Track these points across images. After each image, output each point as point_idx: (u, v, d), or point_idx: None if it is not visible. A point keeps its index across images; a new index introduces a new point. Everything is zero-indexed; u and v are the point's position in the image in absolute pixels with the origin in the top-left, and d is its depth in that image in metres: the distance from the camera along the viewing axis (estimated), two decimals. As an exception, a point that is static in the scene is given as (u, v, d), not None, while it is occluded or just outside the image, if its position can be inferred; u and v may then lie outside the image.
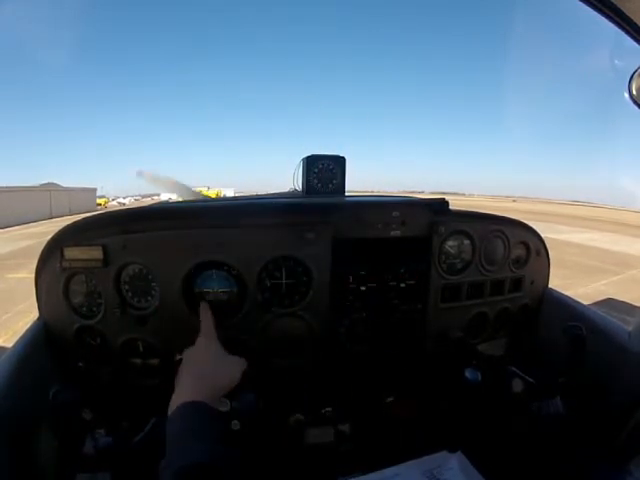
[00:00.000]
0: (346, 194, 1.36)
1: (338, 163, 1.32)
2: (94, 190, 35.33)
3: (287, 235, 0.97)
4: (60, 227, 0.96)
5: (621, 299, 5.24)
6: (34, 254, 0.99)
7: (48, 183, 30.41)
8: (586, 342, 0.94)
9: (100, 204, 32.50)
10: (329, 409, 1.10)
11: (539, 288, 1.29)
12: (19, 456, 0.77)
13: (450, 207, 1.12)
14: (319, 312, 1.02)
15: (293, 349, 1.05)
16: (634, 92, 0.71)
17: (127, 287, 0.95)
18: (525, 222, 1.26)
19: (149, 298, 0.96)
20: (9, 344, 0.95)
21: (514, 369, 1.00)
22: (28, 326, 0.97)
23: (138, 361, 1.00)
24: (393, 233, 1.05)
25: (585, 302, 1.24)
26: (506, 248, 1.19)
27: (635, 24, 0.63)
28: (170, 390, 0.68)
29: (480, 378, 1.00)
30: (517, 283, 1.24)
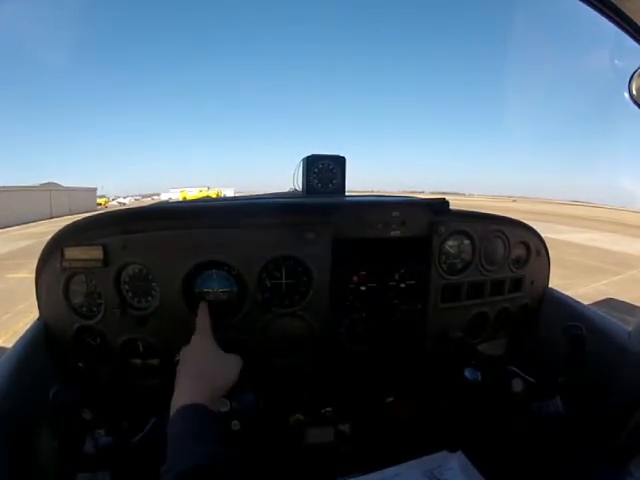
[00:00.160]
0: (346, 194, 1.36)
1: (338, 163, 1.32)
2: (94, 190, 35.39)
3: (287, 235, 0.97)
4: (60, 227, 0.96)
5: (621, 299, 5.24)
6: (34, 254, 1.00)
7: (48, 183, 30.43)
8: (586, 342, 0.94)
9: (100, 204, 32.54)
10: (329, 409, 1.10)
11: (539, 288, 1.29)
12: (19, 456, 0.77)
13: (450, 207, 1.12)
14: (319, 312, 1.02)
15: (293, 349, 1.05)
16: (634, 92, 0.71)
17: (127, 287, 0.95)
18: (525, 222, 1.27)
19: (149, 298, 0.96)
20: (9, 344, 0.95)
21: (514, 369, 1.00)
22: (28, 326, 0.97)
23: (138, 361, 1.00)
24: (393, 233, 1.05)
25: (585, 302, 1.24)
26: (506, 248, 1.19)
27: (635, 24, 0.63)
28: (170, 390, 0.68)
29: (480, 378, 1.00)
30: (517, 283, 1.24)
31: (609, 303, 5.09)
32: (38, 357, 0.92)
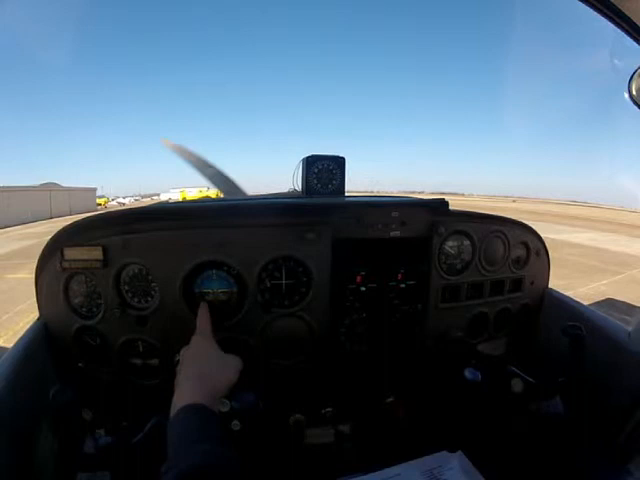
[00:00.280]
0: (346, 194, 1.36)
1: (338, 163, 1.32)
2: (94, 190, 35.40)
3: (287, 235, 0.97)
4: (60, 227, 0.96)
5: (621, 299, 5.24)
6: (34, 254, 1.00)
7: (48, 183, 30.43)
8: (586, 342, 0.94)
9: (100, 204, 32.53)
10: (329, 409, 1.10)
11: (539, 288, 1.29)
12: (19, 456, 0.77)
13: (450, 207, 1.12)
14: (319, 312, 1.02)
15: (293, 349, 1.05)
16: (634, 92, 0.71)
17: (127, 287, 0.95)
18: (525, 222, 1.27)
19: (149, 298, 0.96)
20: (9, 344, 0.95)
21: (514, 369, 1.00)
22: (28, 326, 0.97)
23: (138, 361, 1.00)
24: (393, 233, 1.05)
25: (585, 302, 1.24)
26: (506, 248, 1.19)
27: (635, 24, 0.63)
28: (170, 390, 0.68)
29: (480, 378, 1.00)
30: (517, 283, 1.24)
31: (609, 303, 5.10)
32: (38, 357, 0.92)
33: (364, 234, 1.03)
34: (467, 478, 0.82)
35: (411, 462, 0.86)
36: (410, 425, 1.13)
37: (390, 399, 1.15)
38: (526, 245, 1.24)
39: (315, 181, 1.30)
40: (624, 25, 0.64)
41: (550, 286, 1.32)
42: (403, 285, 1.08)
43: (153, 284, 0.95)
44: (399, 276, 1.07)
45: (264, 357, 1.03)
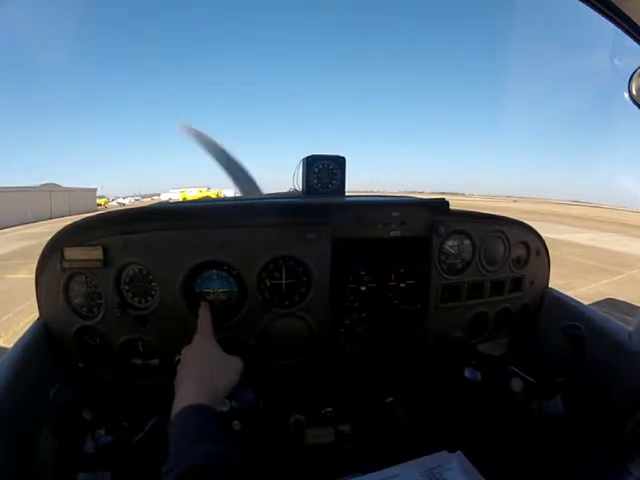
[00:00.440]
0: (346, 194, 1.36)
1: (338, 163, 1.32)
2: (94, 190, 35.42)
3: (287, 235, 0.97)
4: (60, 227, 0.96)
5: (621, 299, 5.24)
6: (34, 254, 1.00)
7: (48, 183, 30.45)
8: (586, 342, 0.94)
9: (100, 204, 32.56)
10: (329, 409, 1.10)
11: (539, 288, 1.29)
12: (19, 456, 0.77)
13: (450, 207, 1.12)
14: (319, 312, 1.02)
15: (293, 349, 1.05)
16: (634, 92, 0.71)
17: (127, 287, 0.95)
18: (525, 222, 1.27)
19: (149, 298, 0.96)
20: (9, 344, 0.95)
21: (514, 369, 0.99)
22: (28, 326, 0.97)
23: (138, 361, 1.01)
24: (393, 233, 1.05)
25: (585, 302, 1.24)
26: (506, 248, 1.19)
27: (635, 24, 0.63)
28: (170, 390, 0.68)
29: (480, 378, 1.00)
30: (517, 283, 1.24)
31: (609, 303, 5.09)
32: (38, 357, 0.92)
33: (364, 234, 1.03)
34: (467, 478, 0.81)
35: (411, 462, 0.85)
36: (410, 425, 1.13)
37: (390, 399, 1.15)
38: (526, 245, 1.24)
39: (315, 181, 1.30)
40: (624, 25, 0.64)
41: (550, 286, 1.32)
42: (403, 285, 1.08)
43: (153, 284, 0.95)
44: (399, 276, 1.07)
45: (264, 357, 1.03)
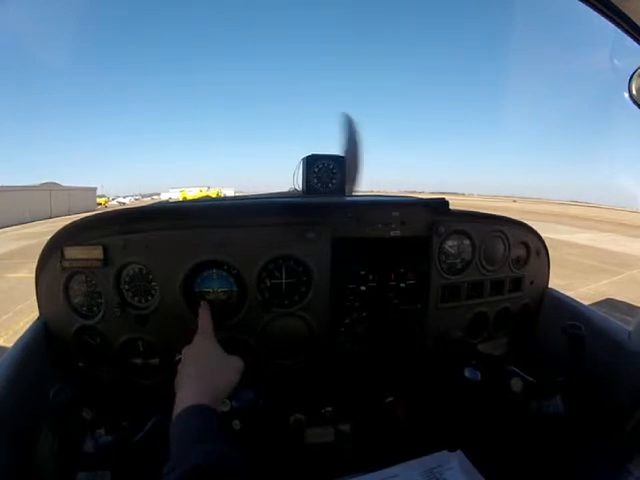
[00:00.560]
0: (346, 194, 1.36)
1: (338, 163, 1.32)
2: (94, 189, 35.40)
3: (287, 235, 0.97)
4: (60, 227, 0.96)
5: (621, 299, 5.24)
6: (34, 254, 1.00)
7: (48, 182, 30.44)
8: (586, 342, 0.94)
9: (100, 203, 32.55)
10: (329, 409, 1.10)
11: (539, 288, 1.29)
12: (19, 456, 0.77)
13: (450, 207, 1.12)
14: (319, 312, 1.02)
15: (293, 349, 1.05)
16: (634, 92, 0.71)
17: (127, 287, 0.95)
18: (525, 222, 1.27)
19: (149, 298, 0.96)
20: (9, 344, 0.95)
21: (514, 369, 1.00)
22: (28, 326, 0.97)
23: (138, 361, 1.01)
24: (393, 233, 1.05)
25: (585, 302, 1.24)
26: (506, 248, 1.19)
27: (635, 24, 0.63)
28: (170, 389, 0.68)
29: (480, 378, 1.00)
30: (517, 283, 1.24)
31: (609, 303, 5.09)
32: (38, 356, 0.92)
33: (364, 233, 1.03)
34: (467, 478, 0.81)
35: (411, 462, 0.85)
36: (410, 425, 1.13)
37: (390, 399, 1.15)
38: (526, 245, 1.24)
39: (315, 180, 1.30)
40: (624, 25, 0.64)
41: (550, 286, 1.32)
42: (403, 285, 1.08)
43: (153, 283, 0.95)
44: (399, 276, 1.07)
45: (264, 357, 1.03)
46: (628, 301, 5.07)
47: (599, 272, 7.89)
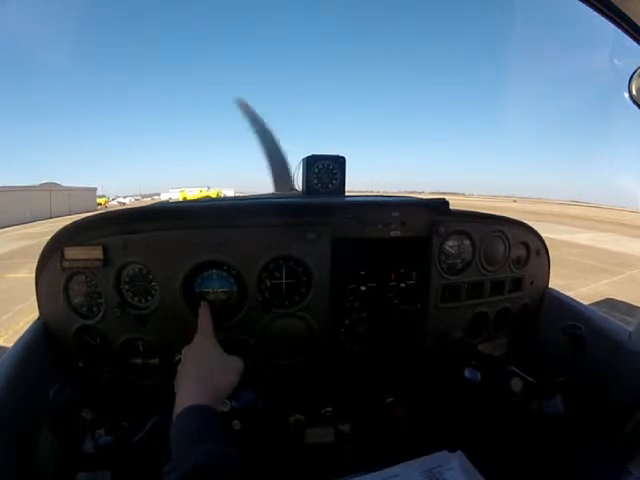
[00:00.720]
0: (346, 194, 1.36)
1: (338, 163, 1.32)
2: (94, 189, 35.41)
3: (287, 235, 0.97)
4: (60, 227, 0.96)
5: (621, 299, 5.24)
6: (34, 254, 1.00)
7: (48, 183, 30.45)
8: (586, 342, 0.94)
9: (100, 203, 32.56)
10: (329, 409, 1.10)
11: (539, 288, 1.29)
12: (19, 456, 0.77)
13: (450, 207, 1.12)
14: (319, 312, 1.02)
15: (293, 349, 1.05)
16: (634, 92, 0.71)
17: (127, 287, 0.95)
18: (525, 222, 1.27)
19: (149, 298, 0.96)
20: (9, 344, 0.95)
21: (514, 369, 1.00)
22: (28, 326, 0.97)
23: (138, 361, 1.01)
24: (393, 233, 1.05)
25: (585, 302, 1.24)
26: (506, 248, 1.19)
27: (635, 24, 0.63)
28: (170, 390, 0.68)
29: (480, 378, 1.00)
30: (517, 283, 1.24)
31: (609, 303, 5.09)
32: (38, 356, 0.92)
33: (364, 234, 1.03)
34: (467, 478, 0.81)
35: (411, 462, 0.85)
36: (410, 425, 1.13)
37: (390, 399, 1.15)
38: (526, 245, 1.24)
39: (315, 181, 1.30)
40: (624, 25, 0.64)
41: (550, 286, 1.32)
42: (403, 285, 1.08)
43: (153, 283, 0.95)
44: (399, 276, 1.07)
45: (264, 357, 1.03)
46: (628, 301, 5.07)
47: (599, 272, 7.89)
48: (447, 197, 1.13)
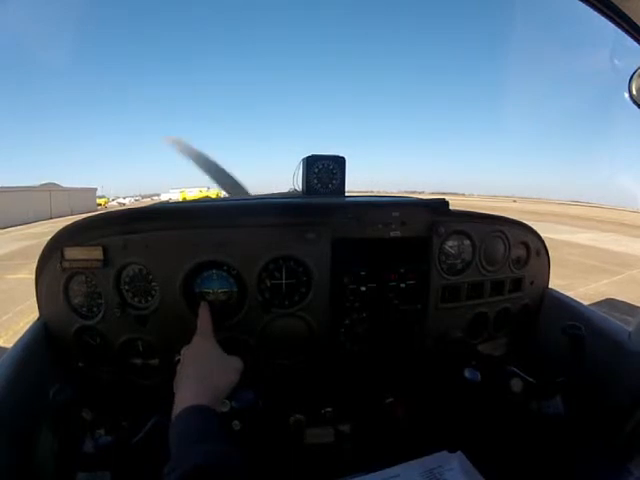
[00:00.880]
0: (346, 194, 1.36)
1: (338, 163, 1.32)
2: (94, 190, 35.43)
3: (287, 235, 0.97)
4: (60, 227, 0.96)
5: (621, 299, 5.24)
6: (34, 254, 1.00)
7: (48, 183, 30.47)
8: (586, 342, 0.94)
9: (100, 204, 32.59)
10: (329, 409, 1.10)
11: (539, 288, 1.29)
12: (19, 456, 0.77)
13: (450, 207, 1.12)
14: (319, 312, 1.02)
15: (293, 349, 1.05)
16: (634, 92, 0.71)
17: (127, 287, 0.95)
18: (525, 222, 1.27)
19: (149, 298, 0.96)
20: (9, 344, 0.96)
21: (514, 369, 1.00)
22: (28, 326, 0.97)
23: (138, 361, 1.01)
24: (393, 233, 1.05)
25: (585, 302, 1.24)
26: (506, 248, 1.19)
27: (635, 24, 0.63)
28: (170, 390, 0.68)
29: (480, 378, 1.00)
30: (517, 283, 1.24)
31: (609, 303, 5.09)
32: (38, 357, 0.92)
33: (364, 234, 1.03)
34: (467, 478, 0.81)
35: (411, 462, 0.85)
36: (410, 425, 1.13)
37: (390, 399, 1.15)
38: (526, 245, 1.24)
39: (315, 181, 1.30)
40: (624, 25, 0.64)
41: (550, 286, 1.32)
42: (403, 285, 1.08)
43: (153, 284, 0.95)
44: (399, 276, 1.07)
45: (264, 357, 1.03)
46: (628, 301, 5.07)
47: (599, 272, 7.88)
48: (447, 197, 1.13)
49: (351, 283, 1.04)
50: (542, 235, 1.29)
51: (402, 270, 1.07)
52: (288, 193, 1.45)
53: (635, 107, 0.73)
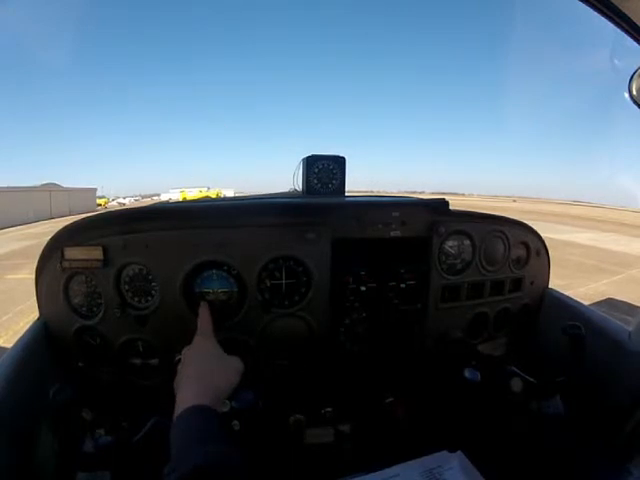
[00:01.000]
0: (346, 194, 1.36)
1: (338, 163, 1.32)
2: (94, 190, 35.45)
3: (287, 235, 0.97)
4: (60, 227, 0.96)
5: (621, 298, 5.23)
6: (34, 254, 1.00)
7: (48, 183, 30.48)
8: (586, 342, 0.94)
9: (100, 204, 32.60)
10: (329, 409, 1.10)
11: (539, 288, 1.29)
12: (19, 456, 0.77)
13: (450, 207, 1.12)
14: (319, 312, 1.02)
15: (293, 349, 1.05)
16: (634, 92, 0.71)
17: (127, 287, 0.95)
18: (525, 222, 1.27)
19: (149, 298, 0.96)
20: (9, 344, 0.95)
21: (514, 369, 1.00)
22: (28, 326, 0.97)
23: (138, 361, 1.01)
24: (393, 233, 1.05)
25: (585, 302, 1.24)
26: (506, 248, 1.19)
27: (635, 24, 0.63)
28: (170, 390, 0.68)
29: (480, 378, 1.00)
30: (517, 283, 1.24)
31: (609, 303, 5.09)
32: (38, 357, 0.92)
33: (364, 234, 1.03)
34: (467, 478, 0.81)
35: (411, 462, 0.85)
36: (410, 425, 1.13)
37: (390, 399, 1.15)
38: (526, 245, 1.24)
39: (315, 181, 1.30)
40: (624, 25, 0.64)
41: (550, 286, 1.32)
42: (403, 285, 1.08)
43: (153, 284, 0.95)
44: (399, 276, 1.07)
45: (264, 357, 1.03)
46: (628, 301, 5.06)
47: (600, 272, 7.88)
48: (447, 197, 1.13)
49: (351, 283, 1.04)
50: (542, 235, 1.29)
51: (402, 270, 1.07)
52: (288, 193, 1.45)
53: (635, 107, 0.73)
